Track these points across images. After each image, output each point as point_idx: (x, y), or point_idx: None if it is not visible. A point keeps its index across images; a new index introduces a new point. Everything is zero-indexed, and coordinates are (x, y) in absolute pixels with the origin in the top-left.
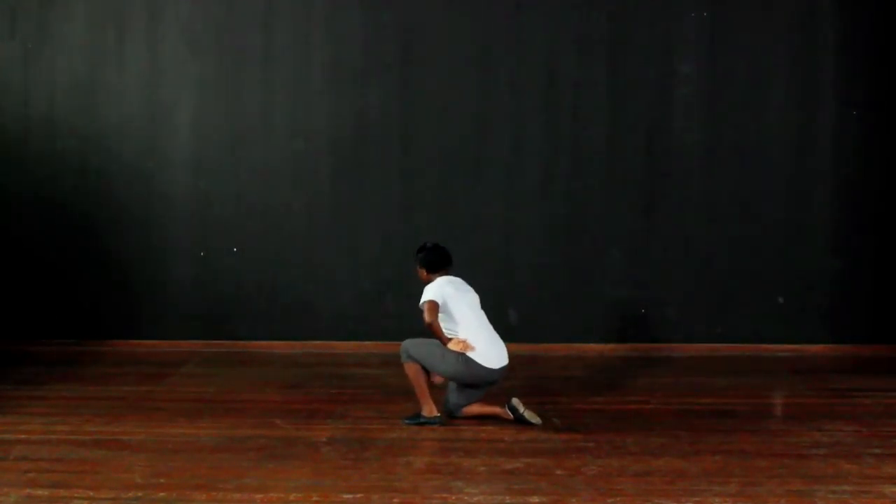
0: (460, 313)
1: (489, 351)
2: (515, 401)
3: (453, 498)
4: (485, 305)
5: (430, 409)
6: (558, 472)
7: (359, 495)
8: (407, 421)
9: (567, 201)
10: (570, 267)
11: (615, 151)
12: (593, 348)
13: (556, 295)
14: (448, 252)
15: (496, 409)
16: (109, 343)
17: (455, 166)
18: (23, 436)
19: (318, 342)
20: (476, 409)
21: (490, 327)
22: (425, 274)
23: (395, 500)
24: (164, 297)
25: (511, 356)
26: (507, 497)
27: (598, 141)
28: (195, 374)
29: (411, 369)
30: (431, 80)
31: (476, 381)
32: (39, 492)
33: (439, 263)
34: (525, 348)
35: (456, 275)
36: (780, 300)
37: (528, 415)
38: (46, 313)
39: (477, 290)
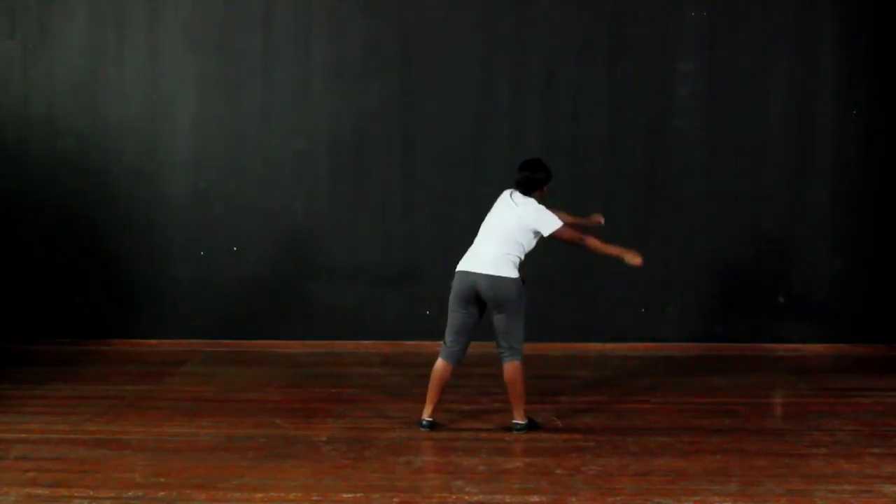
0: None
1: (466, 256)
2: None
3: (453, 498)
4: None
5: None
6: (558, 471)
7: (359, 495)
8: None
9: (567, 201)
10: (571, 266)
11: (615, 151)
12: (593, 348)
13: (556, 295)
14: (528, 177)
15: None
16: (109, 343)
17: (455, 166)
18: (23, 435)
19: (318, 342)
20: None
21: (492, 240)
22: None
23: (395, 500)
24: (164, 297)
25: None
26: (507, 497)
27: (598, 141)
28: (195, 373)
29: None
30: (431, 80)
31: (455, 294)
32: (39, 491)
33: (518, 184)
34: (525, 348)
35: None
36: (780, 300)
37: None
38: (46, 313)
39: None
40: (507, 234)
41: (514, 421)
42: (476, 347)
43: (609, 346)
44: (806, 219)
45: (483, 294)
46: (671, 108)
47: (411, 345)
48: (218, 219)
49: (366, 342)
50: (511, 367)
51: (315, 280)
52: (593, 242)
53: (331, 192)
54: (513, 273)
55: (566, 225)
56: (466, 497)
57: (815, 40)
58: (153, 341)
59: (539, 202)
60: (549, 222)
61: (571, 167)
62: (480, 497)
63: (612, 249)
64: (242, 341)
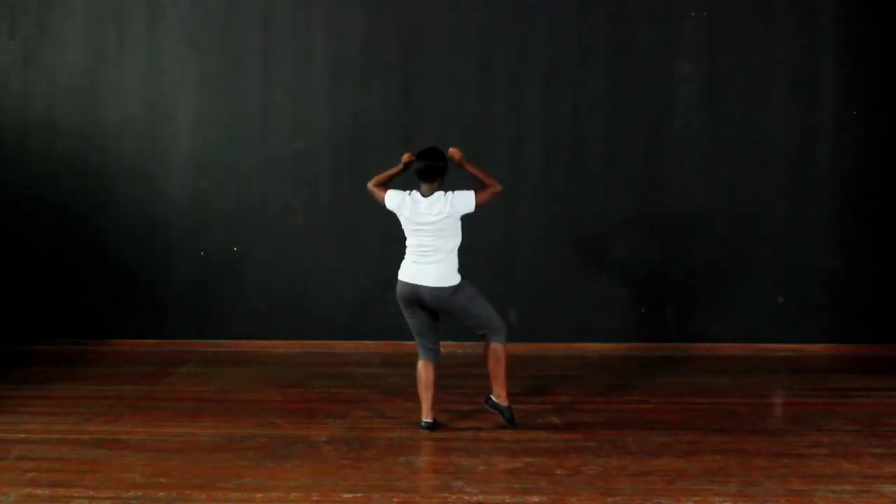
0: (406, 233)
1: (408, 267)
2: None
3: (453, 498)
4: None
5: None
6: (558, 471)
7: (359, 495)
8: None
9: (567, 201)
10: (570, 266)
11: (615, 151)
12: (593, 348)
13: (556, 295)
14: (430, 165)
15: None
16: (109, 343)
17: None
18: (23, 435)
19: (318, 342)
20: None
21: (432, 253)
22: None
23: (395, 500)
24: (164, 297)
25: (511, 356)
26: (507, 497)
27: (598, 141)
28: (195, 373)
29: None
30: (431, 80)
31: (399, 303)
32: (39, 491)
33: (420, 173)
34: (525, 348)
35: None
36: (780, 300)
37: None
38: (46, 313)
39: (477, 290)
40: (445, 238)
41: (491, 397)
42: (475, 348)
43: (609, 346)
44: (806, 219)
45: (431, 304)
46: (671, 108)
47: (411, 345)
48: (218, 219)
49: (366, 342)
50: (497, 347)
51: (315, 280)
52: (490, 185)
53: (331, 192)
54: (454, 279)
55: (477, 191)
56: (466, 497)
57: (815, 40)
58: (153, 341)
59: (438, 189)
60: (469, 199)
61: (571, 167)
62: (480, 497)
63: (480, 173)
64: (242, 341)
